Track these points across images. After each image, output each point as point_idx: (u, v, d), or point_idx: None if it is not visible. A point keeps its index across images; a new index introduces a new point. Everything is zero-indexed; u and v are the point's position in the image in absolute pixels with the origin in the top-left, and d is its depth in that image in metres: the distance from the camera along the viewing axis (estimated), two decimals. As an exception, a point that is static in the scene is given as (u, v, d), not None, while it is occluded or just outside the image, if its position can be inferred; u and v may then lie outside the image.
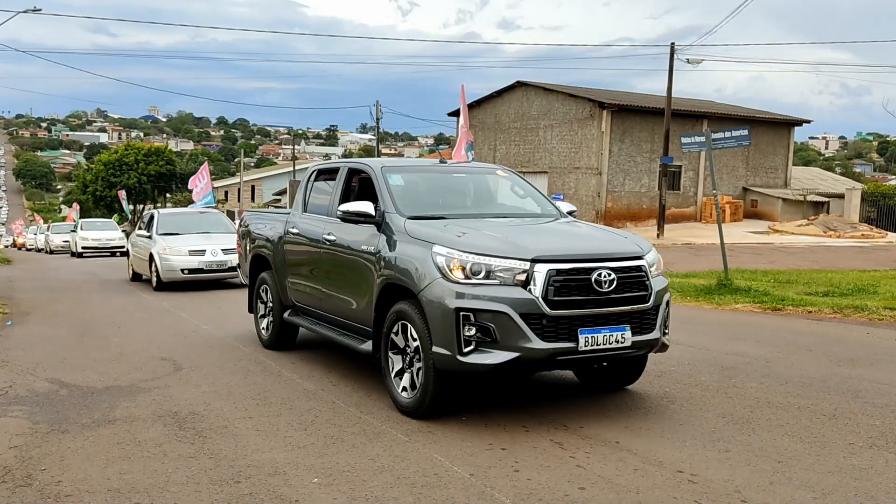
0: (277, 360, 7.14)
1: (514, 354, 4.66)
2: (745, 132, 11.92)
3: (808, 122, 38.42)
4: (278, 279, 7.33)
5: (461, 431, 4.93)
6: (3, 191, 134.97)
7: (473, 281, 4.76)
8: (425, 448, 4.60)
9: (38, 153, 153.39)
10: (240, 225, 8.54)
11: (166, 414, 5.35)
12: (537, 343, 4.66)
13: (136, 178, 59.79)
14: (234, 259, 13.21)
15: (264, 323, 7.84)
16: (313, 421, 5.18)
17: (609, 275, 4.84)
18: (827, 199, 33.94)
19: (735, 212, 32.50)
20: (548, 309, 4.68)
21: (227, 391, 6.01)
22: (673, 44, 26.83)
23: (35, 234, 42.84)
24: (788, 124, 36.42)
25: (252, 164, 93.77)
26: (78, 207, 44.62)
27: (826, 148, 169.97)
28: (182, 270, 13.54)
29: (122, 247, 28.40)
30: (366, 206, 5.77)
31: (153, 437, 4.83)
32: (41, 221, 55.69)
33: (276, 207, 52.97)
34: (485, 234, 5.17)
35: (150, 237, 14.45)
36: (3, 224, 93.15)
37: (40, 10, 21.41)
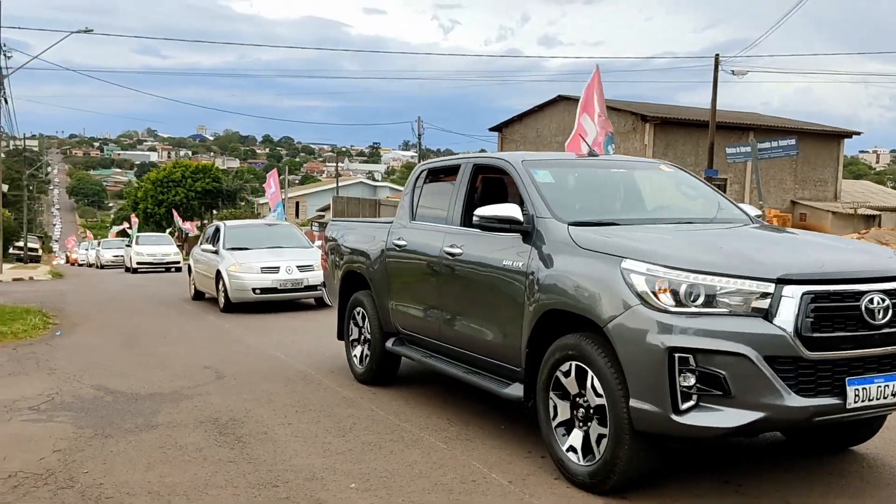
0: (318, 370, 7.17)
1: (757, 415, 3.39)
2: (793, 142, 11.72)
3: (858, 133, 37.53)
4: (378, 301, 6.14)
5: (500, 439, 4.87)
6: (57, 209, 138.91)
7: (690, 309, 3.51)
8: (463, 455, 4.56)
9: (91, 172, 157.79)
10: (326, 238, 7.38)
11: (207, 420, 5.40)
12: (792, 399, 3.40)
13: (183, 195, 61.06)
14: (311, 277, 12.05)
15: (358, 351, 6.59)
16: (352, 428, 5.18)
17: (883, 300, 3.57)
18: (878, 213, 33.07)
19: (783, 225, 31.83)
20: (805, 350, 3.42)
21: (267, 398, 6.05)
22: (717, 55, 26.51)
23: (87, 250, 43.68)
24: (838, 136, 35.63)
25: (297, 182, 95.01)
26: (137, 221, 43.50)
27: (877, 161, 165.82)
28: (254, 290, 11.98)
29: (178, 262, 28.21)
30: (512, 210, 4.54)
31: (194, 441, 4.87)
32: (91, 237, 56.89)
33: (319, 223, 53.47)
34: (696, 244, 4.10)
35: (215, 252, 12.95)
36: (57, 241, 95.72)
37: (92, 30, 22.08)
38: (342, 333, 6.93)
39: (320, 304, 12.36)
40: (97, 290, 18.80)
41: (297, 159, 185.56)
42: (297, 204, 65.26)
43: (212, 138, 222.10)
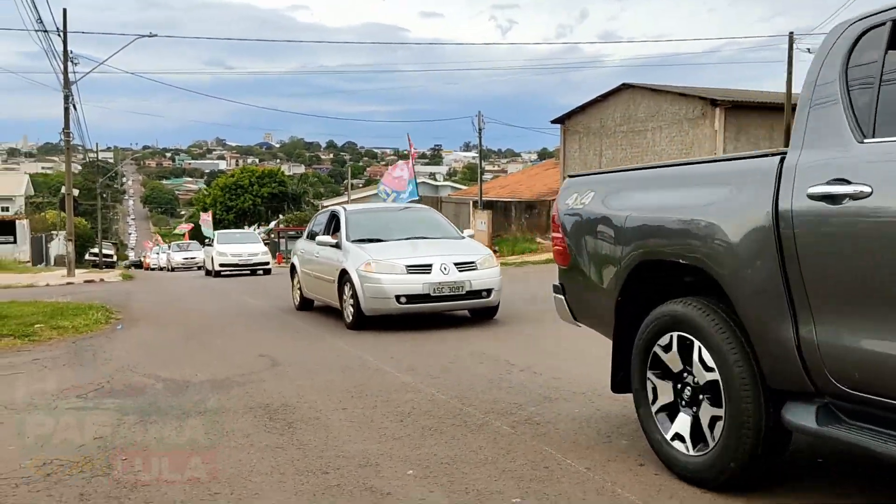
0: (376, 355, 6.79)
1: None
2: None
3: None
4: (755, 321, 2.98)
5: (573, 424, 4.38)
6: (132, 219, 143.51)
7: None
8: (533, 440, 4.08)
9: (163, 181, 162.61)
10: (561, 213, 4.31)
11: (257, 406, 5.05)
12: None
13: (250, 201, 61.98)
14: (474, 280, 8.51)
15: (682, 425, 3.38)
16: (410, 412, 4.75)
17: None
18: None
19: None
20: None
21: (323, 385, 5.68)
22: (791, 33, 25.31)
23: (157, 255, 44.21)
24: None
25: (360, 185, 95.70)
26: (209, 218, 37.40)
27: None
28: (398, 298, 8.29)
29: (267, 263, 24.18)
30: None
31: (241, 427, 4.53)
32: (161, 241, 57.89)
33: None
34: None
35: (335, 245, 9.46)
36: (132, 249, 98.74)
37: (156, 34, 22.34)
38: (625, 383, 3.85)
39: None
40: (170, 295, 18.86)
41: (361, 164, 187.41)
42: (361, 205, 65.61)
43: (278, 145, 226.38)
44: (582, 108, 34.51)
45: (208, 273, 24.91)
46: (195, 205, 79.60)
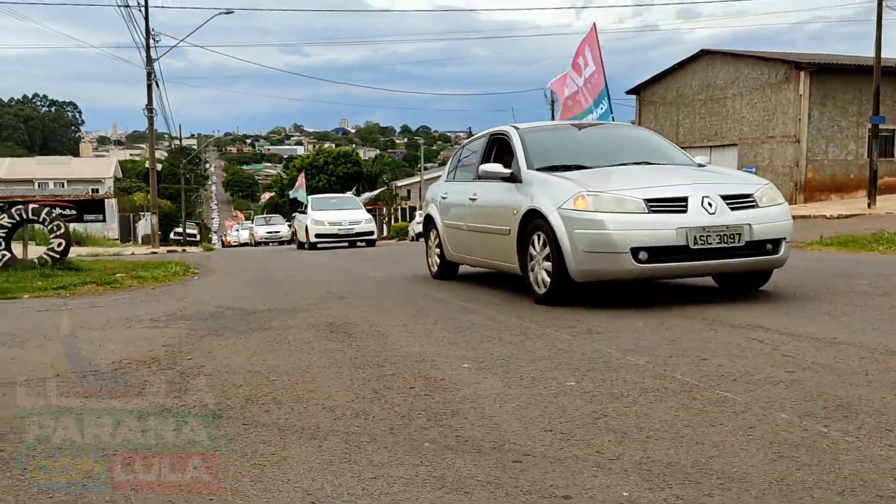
0: (446, 293, 6.79)
1: None
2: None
3: None
4: None
5: (635, 333, 4.26)
6: (215, 204, 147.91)
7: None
8: (593, 343, 3.99)
9: (244, 167, 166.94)
10: None
11: (320, 324, 5.11)
12: None
13: (325, 181, 63.01)
14: (755, 222, 5.20)
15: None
16: (469, 326, 4.73)
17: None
18: None
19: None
20: None
21: (385, 309, 5.71)
22: (882, -10, 23.89)
23: (237, 231, 44.61)
24: None
25: (434, 167, 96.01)
26: (303, 182, 29.73)
27: None
28: (635, 253, 5.06)
29: (371, 233, 19.94)
30: None
31: (303, 337, 4.59)
32: (242, 217, 58.62)
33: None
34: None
35: (511, 178, 6.29)
36: (215, 232, 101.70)
37: (232, 11, 22.81)
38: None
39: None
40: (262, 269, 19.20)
41: (434, 147, 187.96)
42: (435, 185, 65.94)
43: (353, 131, 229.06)
44: (658, 78, 33.64)
45: (301, 246, 20.91)
46: (273, 187, 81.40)
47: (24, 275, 9.18)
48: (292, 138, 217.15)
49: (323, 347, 4.23)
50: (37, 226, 11.47)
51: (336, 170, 63.28)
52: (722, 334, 4.08)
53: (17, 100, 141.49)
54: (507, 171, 6.29)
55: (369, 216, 20.73)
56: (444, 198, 7.93)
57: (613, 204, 5.17)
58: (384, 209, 59.45)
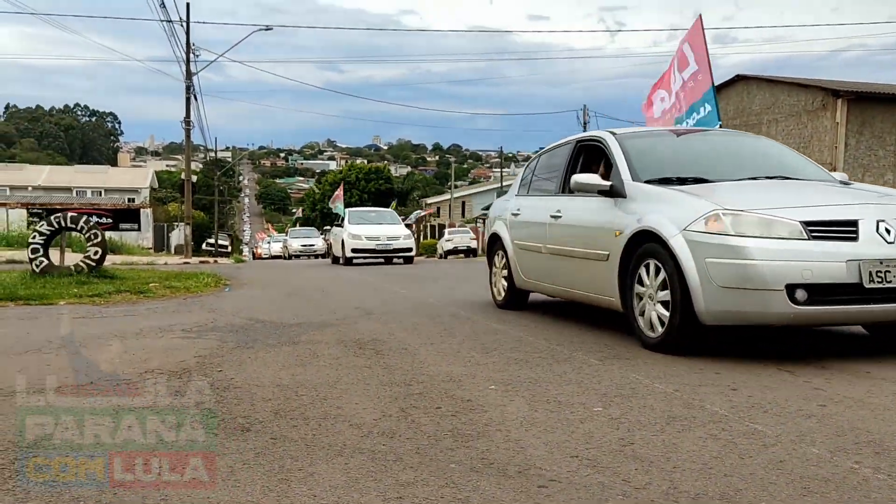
0: (467, 310, 6.80)
1: None
2: None
3: None
4: None
5: (664, 359, 4.23)
6: (248, 216, 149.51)
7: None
8: (621, 370, 3.97)
9: (277, 180, 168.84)
10: None
11: (349, 340, 5.15)
12: None
13: (357, 196, 63.50)
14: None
15: None
16: (497, 347, 4.73)
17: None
18: None
19: None
20: None
21: (413, 327, 5.74)
22: (924, 18, 23.66)
23: (269, 244, 44.70)
24: None
25: (465, 185, 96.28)
26: (341, 193, 28.38)
27: None
28: (791, 291, 3.92)
29: (410, 250, 19.02)
30: None
31: (332, 353, 4.63)
32: (273, 230, 58.84)
33: (483, 221, 53.62)
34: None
35: (610, 192, 5.21)
36: (246, 244, 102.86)
37: (272, 27, 23.20)
38: None
39: None
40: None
41: (465, 166, 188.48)
42: (463, 204, 66.00)
43: (385, 147, 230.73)
44: (693, 102, 33.43)
45: (335, 261, 20.06)
46: (305, 201, 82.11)
47: (60, 281, 9.36)
48: (325, 153, 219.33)
49: (351, 364, 4.25)
50: (74, 233, 11.70)
51: (368, 186, 63.77)
52: (751, 365, 4.04)
53: (58, 109, 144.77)
54: (607, 183, 5.18)
55: (408, 232, 19.74)
56: (515, 215, 6.90)
57: (760, 227, 4.07)
58: (412, 226, 59.72)
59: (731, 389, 3.45)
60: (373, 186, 63.88)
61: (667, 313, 4.32)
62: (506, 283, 7.03)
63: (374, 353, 4.57)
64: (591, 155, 6.07)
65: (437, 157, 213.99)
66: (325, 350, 4.72)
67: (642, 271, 4.58)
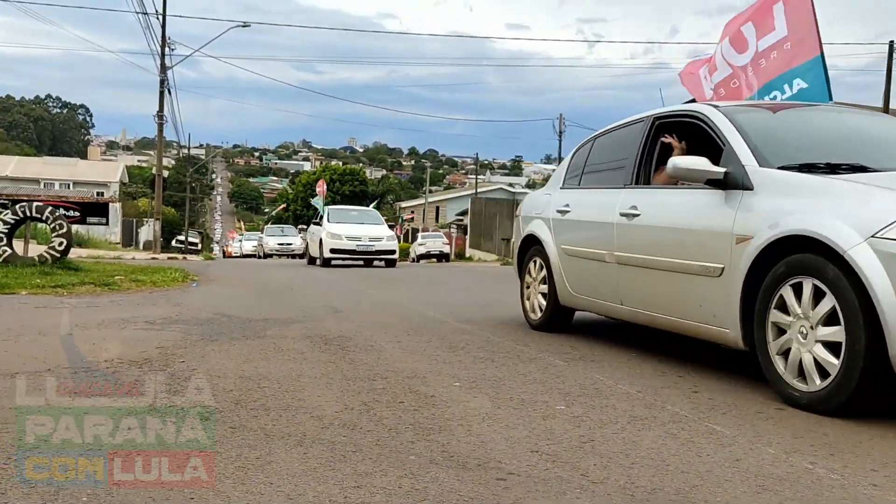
0: (436, 311, 6.80)
1: None
2: None
3: None
4: None
5: (629, 362, 4.27)
6: (219, 215, 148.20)
7: None
8: (585, 370, 3.99)
9: (251, 179, 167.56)
10: None
11: (315, 336, 5.11)
12: None
13: (331, 198, 63.18)
14: None
15: None
16: (464, 347, 4.73)
17: None
18: None
19: None
20: None
21: (381, 325, 5.72)
22: (892, 41, 24.17)
23: (241, 242, 42.61)
24: None
25: (440, 190, 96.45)
26: (324, 190, 26.02)
27: None
28: None
29: (392, 252, 17.73)
30: None
31: (297, 348, 4.59)
32: (245, 228, 56.86)
33: (457, 226, 53.63)
34: None
35: (721, 181, 3.86)
36: (217, 243, 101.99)
37: (249, 24, 23.05)
38: None
39: None
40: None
41: (441, 171, 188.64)
42: (438, 209, 66.07)
43: (361, 150, 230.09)
44: (667, 115, 33.81)
45: (312, 261, 18.82)
46: (278, 201, 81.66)
47: (23, 271, 9.20)
48: (300, 154, 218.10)
49: (316, 359, 4.23)
50: (39, 224, 11.51)
51: (342, 188, 63.53)
52: (717, 370, 4.08)
53: (29, 100, 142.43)
54: (720, 169, 3.86)
55: (391, 233, 18.51)
56: (562, 212, 5.48)
57: None
58: (396, 228, 59.67)
59: (692, 392, 3.49)
60: (347, 189, 63.65)
61: (833, 360, 3.02)
62: (544, 299, 5.58)
63: (339, 349, 4.54)
64: (672, 137, 4.75)
65: (412, 162, 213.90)
66: (291, 345, 4.68)
67: (787, 294, 3.28)
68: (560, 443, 2.65)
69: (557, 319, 5.53)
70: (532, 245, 5.93)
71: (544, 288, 5.59)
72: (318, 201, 23.37)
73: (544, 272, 5.60)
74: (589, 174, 5.49)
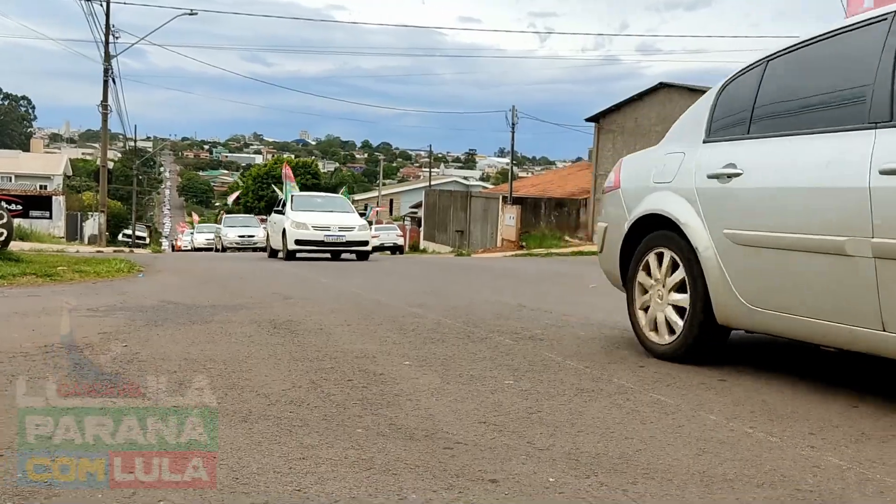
0: (388, 297, 6.78)
1: None
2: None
3: None
4: None
5: (577, 341, 4.32)
6: (168, 209, 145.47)
7: None
8: (535, 349, 4.02)
9: (200, 172, 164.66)
10: None
11: (264, 321, 5.05)
12: None
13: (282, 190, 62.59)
14: None
15: None
16: (414, 329, 4.72)
17: None
18: None
19: None
20: None
21: (331, 310, 5.68)
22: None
23: (192, 235, 40.17)
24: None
25: (394, 183, 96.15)
26: (290, 171, 23.77)
27: None
28: None
29: (365, 243, 15.80)
30: None
31: (245, 332, 4.53)
32: (197, 220, 53.95)
33: (412, 219, 53.53)
34: None
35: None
36: (166, 237, 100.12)
37: (196, 12, 22.60)
38: None
39: None
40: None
41: (395, 164, 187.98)
42: (392, 201, 65.85)
43: (314, 143, 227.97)
44: (617, 107, 34.25)
45: (273, 254, 16.74)
46: (229, 194, 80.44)
47: (-40, 262, 8.88)
48: (251, 147, 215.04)
49: (264, 342, 4.17)
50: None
51: (295, 180, 62.86)
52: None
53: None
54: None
55: (364, 222, 16.44)
56: (720, 177, 3.56)
57: None
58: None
59: (639, 367, 3.54)
60: (299, 182, 62.97)
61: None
62: (680, 316, 3.70)
63: (288, 333, 4.49)
64: None
65: (366, 155, 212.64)
66: (238, 329, 4.62)
67: None
68: (507, 414, 2.66)
69: (705, 344, 3.62)
70: (651, 231, 4.01)
71: (681, 298, 3.71)
72: (288, 188, 19.96)
73: (681, 273, 3.71)
74: (770, 116, 3.53)
